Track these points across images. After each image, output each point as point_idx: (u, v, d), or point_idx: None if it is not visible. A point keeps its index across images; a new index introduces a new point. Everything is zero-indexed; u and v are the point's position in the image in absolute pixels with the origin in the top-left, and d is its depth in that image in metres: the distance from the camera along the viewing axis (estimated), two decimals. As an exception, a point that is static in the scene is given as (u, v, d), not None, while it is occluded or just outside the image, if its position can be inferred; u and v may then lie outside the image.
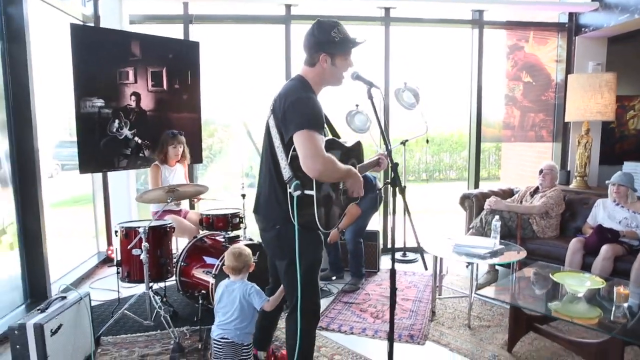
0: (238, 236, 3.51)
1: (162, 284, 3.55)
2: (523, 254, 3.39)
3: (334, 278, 4.22)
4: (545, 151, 5.58)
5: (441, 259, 3.62)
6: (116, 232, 3.22)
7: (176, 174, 3.91)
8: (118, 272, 3.22)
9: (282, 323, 2.99)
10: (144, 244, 2.96)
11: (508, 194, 4.65)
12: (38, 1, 3.72)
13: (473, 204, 4.48)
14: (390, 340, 2.07)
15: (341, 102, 3.96)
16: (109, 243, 4.80)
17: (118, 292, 3.44)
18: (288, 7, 4.70)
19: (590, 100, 4.52)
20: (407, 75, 4.81)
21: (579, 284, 2.80)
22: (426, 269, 1.97)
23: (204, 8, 4.75)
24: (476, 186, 5.18)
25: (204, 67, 4.46)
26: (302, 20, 4.79)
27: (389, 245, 5.17)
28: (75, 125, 3.64)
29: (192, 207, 4.51)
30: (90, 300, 2.82)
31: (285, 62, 4.77)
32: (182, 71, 4.30)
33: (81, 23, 4.37)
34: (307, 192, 1.93)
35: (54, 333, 2.47)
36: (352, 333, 3.17)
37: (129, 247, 3.05)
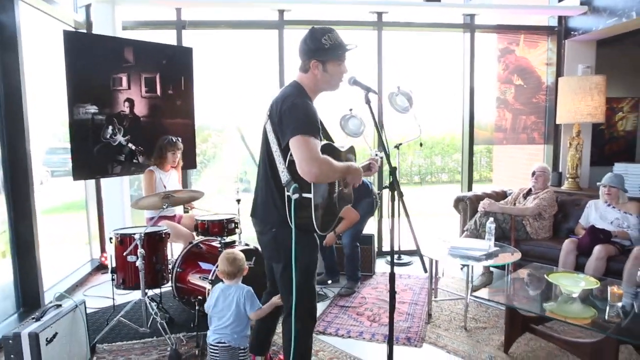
0: (234, 241, 3.50)
1: (157, 291, 3.53)
2: (517, 255, 3.42)
3: (329, 282, 4.22)
4: (537, 153, 5.64)
5: (437, 261, 3.64)
6: (111, 238, 3.20)
7: (170, 179, 3.90)
8: (113, 279, 3.20)
9: (279, 328, 2.99)
10: (140, 251, 2.95)
11: (501, 196, 4.69)
12: (30, 8, 3.70)
13: (467, 206, 4.51)
14: (390, 343, 2.07)
15: (335, 107, 3.97)
16: (103, 250, 4.76)
17: (113, 299, 3.41)
18: (281, 12, 4.72)
19: (581, 102, 4.59)
20: (400, 79, 4.84)
21: (573, 284, 2.84)
22: (426, 271, 1.99)
23: (197, 14, 4.75)
24: (469, 189, 5.22)
25: (198, 73, 4.46)
26: (295, 26, 4.81)
27: (383, 249, 5.18)
28: (68, 131, 3.62)
29: (185, 211, 4.49)
30: (85, 307, 2.80)
31: (279, 67, 4.78)
32: (175, 77, 4.29)
33: (73, 30, 4.36)
34: (305, 195, 1.95)
35: (49, 342, 2.45)
36: (349, 337, 3.18)
37: (124, 253, 3.03)
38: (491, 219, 3.72)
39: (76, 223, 5.15)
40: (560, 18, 5.14)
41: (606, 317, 2.61)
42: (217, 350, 2.33)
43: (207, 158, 7.91)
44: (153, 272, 3.16)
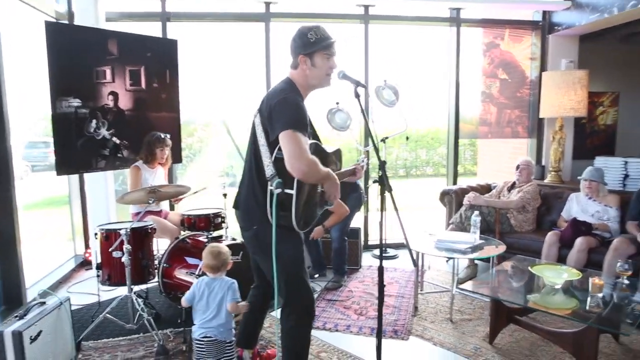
0: (221, 236, 3.49)
1: (143, 286, 3.50)
2: (502, 248, 3.48)
3: (316, 276, 4.24)
4: (521, 147, 5.72)
5: (423, 254, 3.68)
6: (95, 234, 3.16)
7: (157, 175, 3.85)
8: (98, 276, 3.16)
9: (267, 322, 3.00)
10: (126, 246, 2.92)
11: (486, 189, 4.75)
12: (8, -2, 3.61)
13: (452, 199, 4.56)
14: (379, 336, 2.09)
15: (322, 101, 3.97)
16: (87, 246, 4.70)
17: (98, 295, 3.37)
18: (267, 4, 4.68)
19: (564, 96, 4.66)
20: (387, 73, 4.85)
21: (556, 276, 2.90)
22: (415, 265, 2.01)
23: (182, 5, 4.68)
24: (455, 182, 5.27)
25: (183, 66, 4.40)
26: (281, 18, 4.78)
27: (370, 243, 5.22)
28: (50, 125, 3.54)
29: (172, 208, 4.45)
30: (70, 305, 2.76)
31: (265, 60, 4.75)
32: (160, 70, 4.23)
33: (55, 20, 4.26)
34: (287, 191, 1.96)
35: (33, 340, 2.41)
36: (336, 330, 3.20)
37: (110, 249, 3.00)
38: (476, 212, 3.77)
39: (59, 218, 5.07)
40: (544, 13, 5.20)
41: (587, 307, 2.67)
42: (203, 344, 2.33)
43: (192, 152, 7.83)
44: (139, 267, 3.13)
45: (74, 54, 3.63)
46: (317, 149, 2.17)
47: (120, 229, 3.00)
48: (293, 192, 1.96)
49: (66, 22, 4.38)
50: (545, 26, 5.21)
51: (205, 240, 3.32)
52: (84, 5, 4.21)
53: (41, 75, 3.53)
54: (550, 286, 2.86)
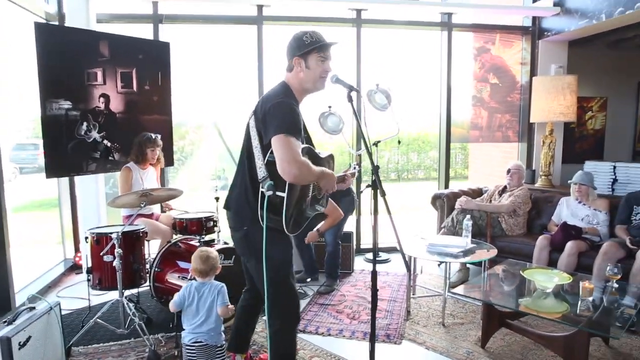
0: (213, 240, 3.47)
1: (135, 291, 3.47)
2: (493, 252, 3.50)
3: (308, 280, 4.23)
4: (511, 151, 5.77)
5: (415, 258, 3.69)
6: (86, 238, 3.12)
7: (148, 177, 3.83)
8: (88, 280, 3.13)
9: (259, 327, 2.99)
10: (117, 250, 2.89)
11: (477, 193, 4.78)
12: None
13: (444, 203, 4.58)
14: (372, 340, 2.09)
15: (314, 105, 3.97)
16: (77, 249, 4.64)
17: (88, 300, 3.33)
18: (260, 7, 4.68)
19: (554, 101, 4.71)
20: (377, 77, 4.87)
21: (547, 280, 2.92)
22: (408, 270, 2.01)
23: (174, 7, 4.66)
24: (446, 186, 5.30)
25: (175, 68, 4.38)
26: (274, 22, 4.78)
27: (362, 246, 5.22)
28: (40, 127, 3.50)
29: (163, 211, 4.42)
30: (60, 310, 2.73)
31: (258, 63, 4.75)
32: (152, 72, 4.21)
33: (44, 22, 4.22)
34: (278, 193, 1.97)
35: (22, 346, 2.38)
36: (329, 334, 3.19)
37: (101, 253, 2.97)
38: (468, 216, 3.79)
39: (48, 222, 5.01)
40: (534, 19, 5.26)
41: (578, 311, 2.69)
42: (193, 349, 2.32)
43: (184, 155, 7.80)
44: (130, 271, 3.10)
45: (65, 56, 3.61)
46: (310, 153, 2.17)
47: (111, 233, 2.97)
48: (284, 194, 1.97)
49: (56, 23, 4.34)
50: (535, 31, 5.27)
51: (198, 244, 3.30)
52: (75, 6, 4.17)
53: (30, 77, 3.49)
54: (541, 290, 2.88)
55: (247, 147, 2.14)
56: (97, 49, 3.83)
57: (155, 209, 4.09)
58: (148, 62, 4.18)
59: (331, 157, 2.37)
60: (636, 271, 3.24)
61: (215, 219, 3.59)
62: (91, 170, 3.90)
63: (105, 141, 3.91)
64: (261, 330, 3.15)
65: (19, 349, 2.35)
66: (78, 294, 3.85)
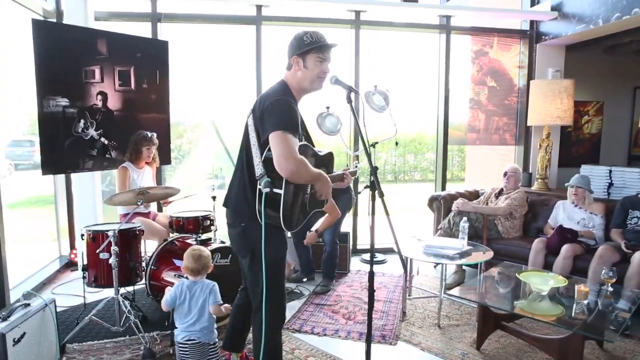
0: (210, 239, 3.46)
1: (130, 288, 3.46)
2: (489, 254, 3.51)
3: (304, 280, 4.23)
4: (508, 154, 5.79)
5: (411, 259, 3.70)
6: (82, 235, 3.12)
7: (144, 176, 3.82)
8: (84, 277, 3.12)
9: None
10: (113, 248, 2.88)
11: (474, 195, 4.79)
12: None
13: (441, 205, 4.59)
14: (368, 341, 2.10)
15: (312, 105, 3.97)
16: (72, 246, 4.63)
17: (84, 297, 3.32)
18: (259, 7, 4.68)
19: (551, 105, 4.73)
20: (375, 78, 4.88)
21: (543, 282, 2.93)
22: (405, 271, 2.02)
23: (173, 6, 4.64)
24: (443, 188, 5.31)
25: (174, 67, 4.38)
26: (273, 22, 4.79)
27: (359, 247, 5.23)
28: (37, 124, 3.49)
29: (159, 209, 4.41)
30: (55, 306, 2.72)
31: (256, 64, 4.74)
32: (150, 71, 4.20)
33: (42, 19, 4.20)
34: (275, 190, 1.98)
35: (16, 342, 2.37)
36: (325, 334, 3.19)
37: (97, 251, 2.96)
38: (464, 218, 3.80)
39: (43, 218, 4.99)
40: (532, 22, 5.28)
41: (573, 314, 2.70)
42: (186, 347, 2.32)
43: (181, 154, 7.79)
44: (126, 269, 3.10)
45: (62, 53, 3.59)
46: (308, 150, 2.17)
47: (108, 230, 2.96)
48: (281, 191, 1.97)
49: (54, 20, 4.33)
50: (533, 35, 5.30)
51: (194, 242, 3.29)
52: (73, 3, 4.15)
53: (28, 74, 3.47)
54: (537, 293, 2.89)
55: (246, 145, 2.15)
56: (95, 47, 3.82)
57: (153, 207, 4.08)
58: (146, 61, 4.17)
59: (330, 155, 2.37)
60: (631, 275, 3.26)
61: (212, 217, 3.59)
62: (88, 167, 3.89)
63: (102, 139, 3.90)
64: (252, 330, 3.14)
65: (14, 345, 2.34)
66: (73, 291, 3.84)
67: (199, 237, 3.40)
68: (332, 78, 2.14)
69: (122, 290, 3.21)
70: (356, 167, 2.58)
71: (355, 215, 5.15)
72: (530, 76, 5.32)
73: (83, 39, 3.76)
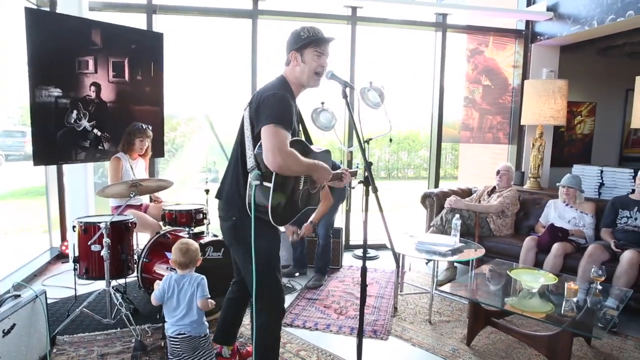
0: (202, 232, 3.46)
1: (122, 281, 3.45)
2: (481, 251, 3.54)
3: (297, 274, 4.24)
4: (501, 152, 5.82)
5: (403, 256, 3.72)
6: (74, 227, 3.10)
7: (137, 168, 3.80)
8: (75, 269, 3.10)
9: (246, 319, 2.99)
10: (105, 240, 2.87)
11: (467, 193, 4.82)
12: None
13: (434, 202, 4.61)
14: (360, 335, 2.11)
15: (308, 100, 3.97)
16: (64, 238, 4.59)
17: (75, 289, 3.31)
18: (255, 1, 4.66)
19: (544, 105, 4.76)
20: (371, 75, 4.89)
21: (533, 280, 2.96)
22: (397, 264, 2.03)
23: (169, -2, 4.62)
24: (436, 185, 5.34)
25: (168, 60, 4.35)
26: (269, 16, 4.76)
27: (351, 243, 5.24)
28: (29, 115, 3.46)
29: (151, 200, 4.39)
30: (46, 298, 2.70)
31: (252, 57, 4.72)
32: (145, 62, 4.17)
33: (35, 7, 4.15)
34: (265, 184, 1.97)
35: (6, 333, 2.36)
36: (316, 329, 3.20)
37: (89, 242, 2.94)
38: (457, 215, 3.83)
39: (34, 210, 4.95)
40: (527, 22, 5.31)
41: (562, 311, 2.73)
42: (177, 341, 2.31)
43: (175, 147, 7.75)
44: (118, 262, 3.09)
45: (56, 43, 3.56)
46: (300, 145, 2.13)
47: (99, 222, 2.95)
48: (271, 185, 1.96)
49: (47, 9, 4.28)
50: (528, 35, 5.33)
51: (187, 236, 3.28)
52: (67, -8, 4.11)
53: (19, 63, 3.43)
54: (527, 290, 2.92)
55: (241, 137, 2.15)
56: (89, 37, 3.78)
57: (145, 199, 4.06)
58: (141, 53, 4.14)
59: (327, 152, 2.35)
60: (619, 274, 3.30)
61: (204, 211, 3.58)
62: (80, 159, 3.86)
63: (95, 130, 3.87)
64: (248, 323, 3.15)
65: (3, 336, 2.32)
66: (64, 283, 3.82)
67: (192, 230, 3.39)
68: (327, 73, 2.14)
69: (114, 282, 3.19)
70: (357, 167, 2.57)
71: (348, 211, 5.16)
72: (525, 76, 5.35)
73: (77, 29, 3.73)
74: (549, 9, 4.98)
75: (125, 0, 4.56)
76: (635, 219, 3.65)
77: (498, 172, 4.46)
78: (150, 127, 3.85)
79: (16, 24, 3.42)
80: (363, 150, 2.06)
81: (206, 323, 2.40)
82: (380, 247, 5.14)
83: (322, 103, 4.43)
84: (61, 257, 4.49)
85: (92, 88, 3.83)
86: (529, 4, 5.36)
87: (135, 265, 3.29)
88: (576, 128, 6.20)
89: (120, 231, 3.11)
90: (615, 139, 6.34)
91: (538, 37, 5.22)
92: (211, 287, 2.37)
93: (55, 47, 3.56)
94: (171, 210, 3.51)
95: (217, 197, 2.27)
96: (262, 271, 2.09)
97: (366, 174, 1.99)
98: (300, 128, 2.30)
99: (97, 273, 3.04)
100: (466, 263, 3.88)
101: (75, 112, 3.71)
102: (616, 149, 6.36)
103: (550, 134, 5.38)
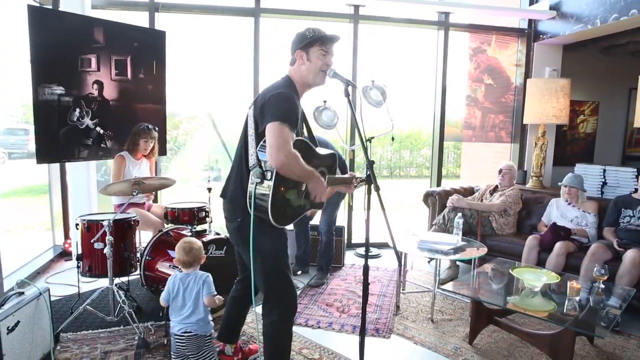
0: (204, 230, 3.46)
1: (125, 279, 3.45)
2: (483, 250, 3.54)
3: (299, 272, 4.24)
4: (504, 151, 5.82)
5: (406, 254, 3.72)
6: (77, 225, 3.11)
7: (141, 168, 3.81)
8: (78, 267, 3.11)
9: (249, 317, 3.00)
10: (108, 238, 2.88)
11: (469, 192, 4.82)
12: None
13: (436, 201, 4.61)
14: (362, 334, 2.11)
15: (310, 99, 3.97)
16: (67, 236, 4.61)
17: (78, 287, 3.32)
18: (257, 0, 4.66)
19: (547, 104, 4.75)
20: (373, 73, 4.88)
21: (535, 279, 2.96)
22: (399, 262, 2.03)
23: (171, -4, 4.62)
24: (439, 184, 5.33)
25: (170, 58, 4.35)
26: (271, 14, 4.76)
27: (353, 241, 5.24)
28: (32, 112, 3.46)
29: (155, 200, 4.40)
30: (49, 295, 2.71)
31: (254, 56, 4.72)
32: (147, 61, 4.18)
33: (38, 5, 4.16)
34: (266, 182, 1.97)
35: (10, 331, 2.36)
36: (319, 327, 3.21)
37: (92, 240, 2.95)
38: (459, 214, 3.82)
39: (37, 208, 4.96)
40: (530, 21, 5.29)
41: (564, 310, 2.73)
42: (183, 339, 2.31)
43: (177, 145, 7.76)
44: (121, 259, 3.10)
45: (58, 41, 3.57)
46: (304, 146, 2.10)
47: (102, 220, 2.96)
48: (271, 182, 1.95)
49: (50, 7, 4.28)
50: (530, 34, 5.31)
51: (189, 234, 3.29)
52: (70, -10, 4.11)
53: (22, 61, 3.44)
54: (530, 289, 2.92)
55: (244, 136, 2.15)
56: (92, 35, 3.79)
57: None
58: (143, 51, 4.15)
59: (332, 156, 2.32)
60: (622, 273, 3.30)
61: (207, 209, 3.58)
62: (83, 157, 3.87)
63: (97, 128, 3.88)
64: (251, 321, 3.16)
65: (8, 333, 2.33)
66: (67, 281, 3.83)
67: (194, 228, 3.39)
68: (330, 71, 2.15)
69: (117, 280, 3.20)
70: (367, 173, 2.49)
71: (350, 209, 5.16)
72: (527, 74, 5.34)
73: (80, 27, 3.73)
74: (551, 7, 4.97)
75: (127, -2, 4.58)
76: (638, 218, 3.64)
77: (500, 171, 4.46)
78: (157, 128, 3.85)
79: (19, 22, 3.42)
80: (365, 149, 2.06)
81: (212, 323, 2.41)
82: (382, 245, 5.14)
83: (325, 101, 4.43)
84: (64, 254, 4.50)
85: (95, 86, 3.84)
86: (531, 3, 5.35)
87: (138, 263, 3.30)
88: (579, 127, 6.20)
89: (123, 229, 3.12)
90: (618, 138, 6.33)
91: (541, 35, 5.21)
92: (214, 285, 2.38)
93: (57, 45, 3.56)
94: (173, 208, 3.52)
95: (221, 196, 2.27)
96: (270, 270, 2.10)
97: (368, 172, 1.99)
98: (305, 130, 2.29)
99: (100, 271, 3.05)
100: (468, 262, 3.88)
101: (77, 110, 3.72)
102: (619, 148, 6.35)
103: (553, 132, 5.37)
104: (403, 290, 3.87)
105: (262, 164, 1.99)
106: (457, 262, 4.25)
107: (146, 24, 4.49)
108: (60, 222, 4.66)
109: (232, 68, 5.64)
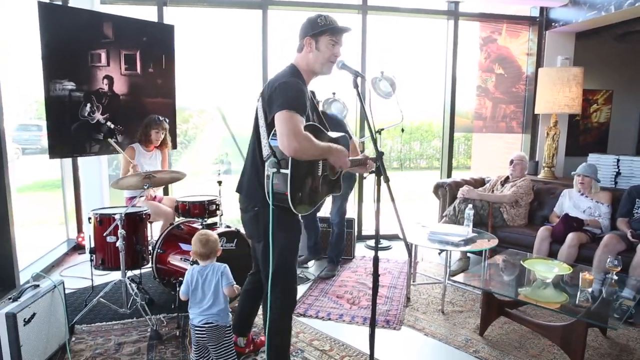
0: (215, 223, 3.49)
1: (137, 271, 3.50)
2: (494, 241, 3.51)
3: (310, 263, 4.27)
4: (515, 142, 5.76)
5: (416, 246, 3.71)
6: (89, 218, 3.15)
7: (152, 159, 3.84)
8: (91, 260, 3.16)
9: (261, 309, 3.02)
10: (120, 231, 2.91)
11: (480, 183, 4.78)
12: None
13: (446, 192, 4.59)
14: (372, 325, 2.12)
15: (319, 91, 3.96)
16: (80, 230, 4.67)
17: (92, 280, 3.37)
18: (266, -8, 4.64)
19: (559, 93, 4.69)
20: (382, 65, 4.84)
21: (547, 270, 2.94)
22: (410, 257, 2.03)
23: (179, -10, 4.62)
24: (449, 175, 5.30)
25: (179, 52, 4.36)
26: (279, 6, 4.74)
27: (363, 233, 5.24)
28: (44, 108, 3.50)
29: (165, 193, 4.44)
30: (64, 288, 2.76)
31: (262, 48, 4.71)
32: (156, 55, 4.19)
33: (48, 1, 4.18)
34: (282, 171, 1.96)
35: (27, 322, 2.41)
36: (329, 319, 3.22)
37: (104, 234, 2.99)
38: (470, 205, 3.80)
39: (51, 202, 5.03)
40: (541, 9, 5.21)
41: (577, 301, 2.71)
42: (204, 330, 2.33)
43: (187, 139, 7.80)
44: (133, 252, 3.13)
45: (68, 36, 3.59)
46: (315, 130, 2.10)
47: (114, 214, 2.99)
48: (288, 171, 1.95)
49: (60, 3, 4.31)
50: (542, 22, 5.23)
51: (200, 227, 3.31)
52: (79, -14, 4.13)
53: (34, 57, 3.47)
54: (541, 280, 2.90)
55: (255, 128, 2.16)
56: (101, 30, 3.81)
57: (158, 191, 4.10)
58: (152, 45, 4.16)
59: (344, 138, 2.31)
60: (636, 264, 3.25)
61: (217, 202, 3.61)
62: (94, 151, 3.91)
63: (108, 123, 3.91)
64: (262, 313, 3.18)
65: (24, 325, 2.38)
66: (81, 274, 3.89)
67: (205, 221, 3.42)
68: (339, 63, 2.13)
69: (129, 273, 3.24)
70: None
71: (360, 201, 5.16)
72: (539, 64, 5.26)
73: (89, 22, 3.75)
74: (564, -6, 4.89)
75: (136, -8, 4.58)
76: (653, 208, 3.59)
77: (511, 162, 4.41)
78: (167, 120, 3.88)
79: (30, 19, 3.45)
80: (375, 141, 2.05)
81: (230, 314, 2.43)
82: (392, 237, 5.13)
83: (334, 93, 4.44)
84: (78, 248, 4.57)
85: (105, 81, 3.87)
86: (543, -10, 5.26)
87: (150, 256, 3.34)
88: (592, 116, 6.10)
89: (135, 222, 3.15)
90: (633, 127, 6.21)
91: (553, 23, 5.12)
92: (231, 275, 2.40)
93: (68, 41, 3.59)
94: (184, 201, 3.55)
95: (237, 191, 2.28)
96: (279, 261, 2.10)
97: (378, 164, 1.98)
98: (315, 116, 2.27)
99: (113, 264, 3.09)
100: (479, 253, 3.86)
101: (88, 105, 3.75)
102: (633, 137, 6.24)
103: (565, 122, 5.30)
104: (413, 282, 3.86)
105: (276, 154, 1.98)
106: (468, 254, 4.23)
107: (155, 19, 4.50)
108: (73, 216, 4.73)
109: (240, 61, 5.64)
